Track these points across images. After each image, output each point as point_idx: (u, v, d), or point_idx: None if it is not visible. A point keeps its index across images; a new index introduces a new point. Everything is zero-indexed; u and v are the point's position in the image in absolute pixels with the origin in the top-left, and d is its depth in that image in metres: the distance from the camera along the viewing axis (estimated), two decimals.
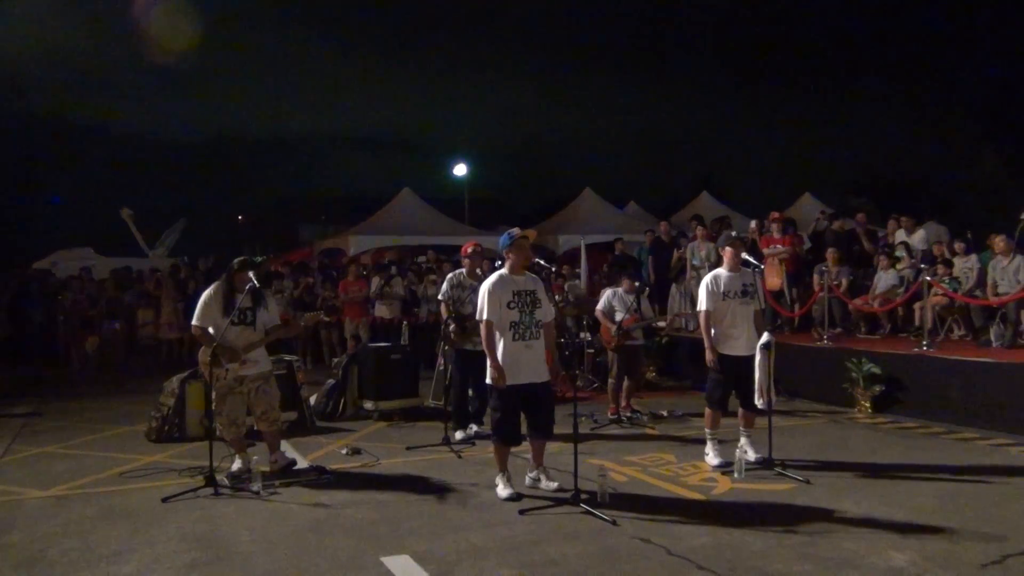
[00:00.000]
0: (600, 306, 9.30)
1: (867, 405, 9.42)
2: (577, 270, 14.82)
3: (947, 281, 10.82)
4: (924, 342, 9.73)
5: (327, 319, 8.89)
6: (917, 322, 10.98)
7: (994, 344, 9.74)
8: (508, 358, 5.89)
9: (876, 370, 9.39)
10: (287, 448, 7.31)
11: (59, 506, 6.05)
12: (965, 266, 10.95)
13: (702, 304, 6.93)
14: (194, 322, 6.63)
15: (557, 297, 11.68)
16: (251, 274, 6.63)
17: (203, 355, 6.58)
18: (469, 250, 8.36)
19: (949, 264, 11.17)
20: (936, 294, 10.72)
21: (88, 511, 5.89)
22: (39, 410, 10.34)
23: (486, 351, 5.96)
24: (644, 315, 9.35)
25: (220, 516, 5.71)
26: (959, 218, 13.45)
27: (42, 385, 12.61)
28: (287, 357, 9.12)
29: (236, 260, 6.79)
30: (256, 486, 6.23)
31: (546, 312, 6.10)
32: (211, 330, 6.52)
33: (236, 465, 6.69)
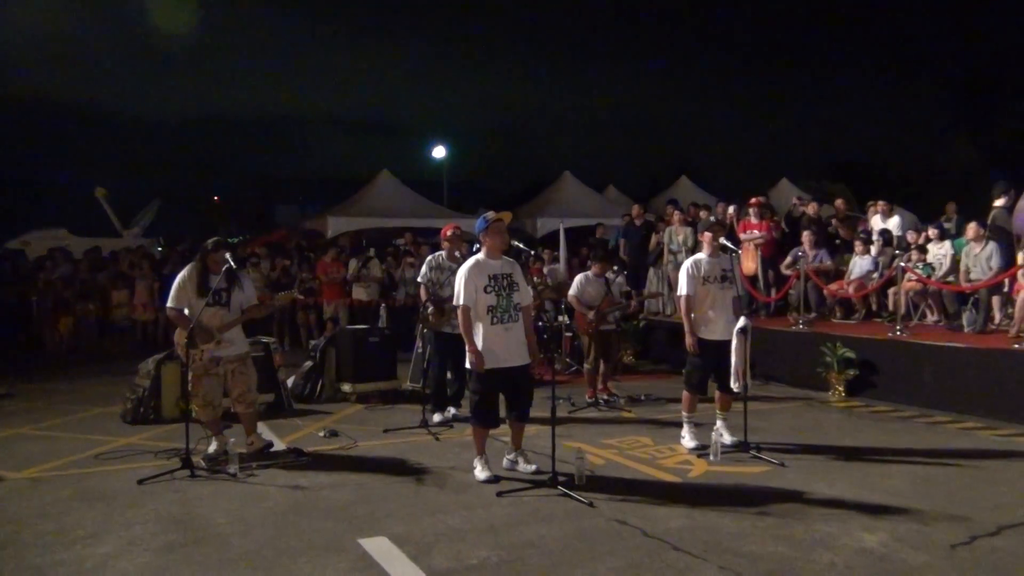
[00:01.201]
0: (572, 291, 9.31)
1: (841, 389, 9.52)
2: (556, 254, 14.82)
3: (921, 267, 10.94)
4: (897, 327, 9.84)
5: (301, 297, 8.84)
6: (891, 307, 11.10)
7: (966, 329, 9.86)
8: (487, 342, 5.89)
9: (850, 354, 9.48)
10: (264, 430, 7.28)
11: (33, 488, 6.00)
12: (939, 252, 11.06)
13: (683, 289, 6.96)
14: (169, 304, 6.58)
15: (536, 279, 11.74)
16: (227, 255, 6.58)
17: (179, 336, 6.53)
18: (449, 232, 8.33)
19: (923, 250, 11.28)
20: (910, 280, 10.84)
21: (63, 493, 5.84)
22: (12, 391, 10.21)
23: (464, 335, 5.96)
24: (614, 300, 9.39)
25: (197, 498, 5.68)
26: (933, 205, 13.56)
27: (15, 366, 12.45)
28: (264, 339, 9.06)
29: (210, 240, 6.75)
30: (233, 468, 6.21)
31: (524, 295, 6.10)
32: (186, 311, 6.47)
33: (213, 447, 6.66)
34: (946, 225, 12.24)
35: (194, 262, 6.71)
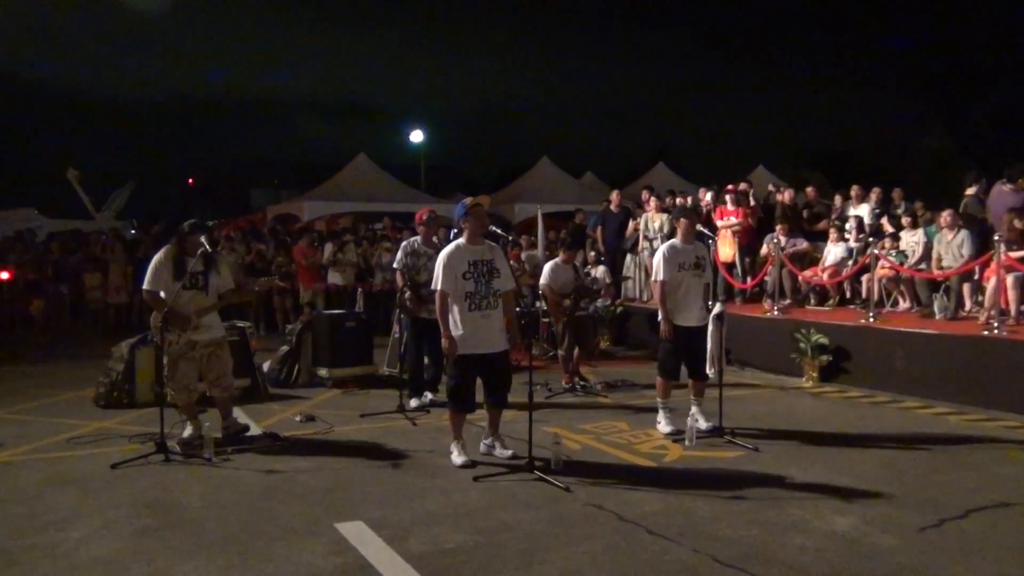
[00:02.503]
0: (544, 280, 9.32)
1: (814, 375, 9.62)
2: (534, 239, 14.83)
3: (894, 254, 11.06)
4: (870, 314, 9.95)
5: (281, 284, 8.79)
6: (864, 294, 11.22)
7: (937, 316, 9.98)
8: (463, 328, 5.89)
9: (824, 341, 9.58)
10: (239, 415, 7.24)
11: (3, 472, 5.93)
12: (912, 240, 11.18)
13: (658, 275, 6.99)
14: (145, 286, 6.52)
15: (513, 264, 11.73)
16: (203, 238, 6.52)
17: (155, 320, 6.48)
18: (425, 217, 8.30)
19: (896, 238, 11.40)
20: (883, 267, 10.96)
21: (34, 477, 5.78)
22: None
23: (439, 321, 5.95)
24: (583, 286, 9.41)
25: (171, 483, 5.65)
26: (906, 192, 13.67)
27: None
28: (240, 324, 9.00)
29: (186, 223, 6.68)
30: (208, 453, 6.17)
31: (505, 281, 6.10)
32: (162, 295, 6.41)
33: (187, 432, 6.62)
34: (897, 212, 12.37)
35: (170, 244, 6.65)
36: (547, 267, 9.42)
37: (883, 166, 36.15)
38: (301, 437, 6.98)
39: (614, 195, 14.92)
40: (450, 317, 5.93)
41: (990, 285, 9.28)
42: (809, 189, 13.85)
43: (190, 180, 52.81)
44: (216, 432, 6.55)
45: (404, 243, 8.39)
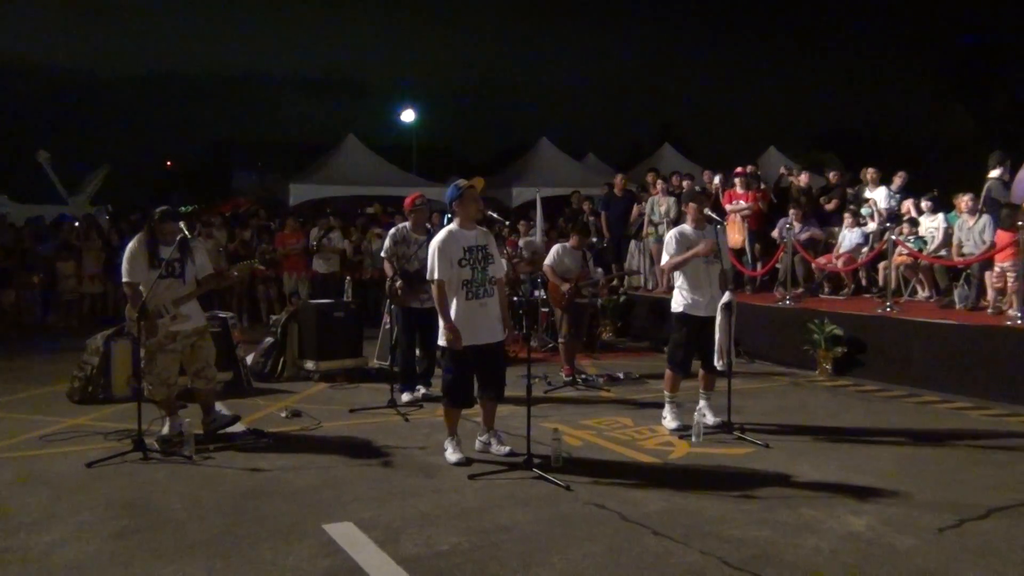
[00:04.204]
0: (549, 261, 9.32)
1: (828, 367, 9.64)
2: (532, 224, 14.81)
3: (912, 240, 11.05)
4: (887, 303, 9.95)
5: (262, 268, 8.76)
6: (881, 282, 11.22)
7: (958, 306, 9.99)
8: (462, 318, 5.88)
9: (838, 331, 9.58)
10: (222, 409, 7.22)
11: None
12: (931, 225, 11.18)
13: (670, 252, 6.93)
14: (124, 278, 6.53)
15: (508, 250, 11.73)
16: (181, 224, 6.52)
17: (131, 312, 6.47)
18: (416, 202, 8.27)
19: (915, 223, 11.39)
20: (901, 254, 10.95)
21: (5, 477, 5.77)
22: None
23: (439, 312, 5.94)
24: (589, 274, 9.41)
25: (150, 482, 5.64)
26: (926, 176, 13.67)
27: None
28: (222, 314, 8.99)
29: (157, 210, 6.69)
30: (188, 450, 6.17)
31: (498, 268, 6.10)
32: (141, 287, 6.40)
33: (167, 428, 6.61)
34: (893, 193, 12.35)
35: (141, 232, 6.66)
36: (554, 249, 9.44)
37: (900, 148, 36.12)
38: (287, 434, 6.98)
39: (618, 179, 14.89)
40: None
41: (997, 270, 9.31)
42: (832, 174, 13.81)
43: (168, 163, 52.70)
44: (197, 428, 6.54)
45: (392, 230, 8.38)
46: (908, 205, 12.13)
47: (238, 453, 6.35)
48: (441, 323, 5.92)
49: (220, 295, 12.54)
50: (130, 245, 6.61)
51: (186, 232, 6.50)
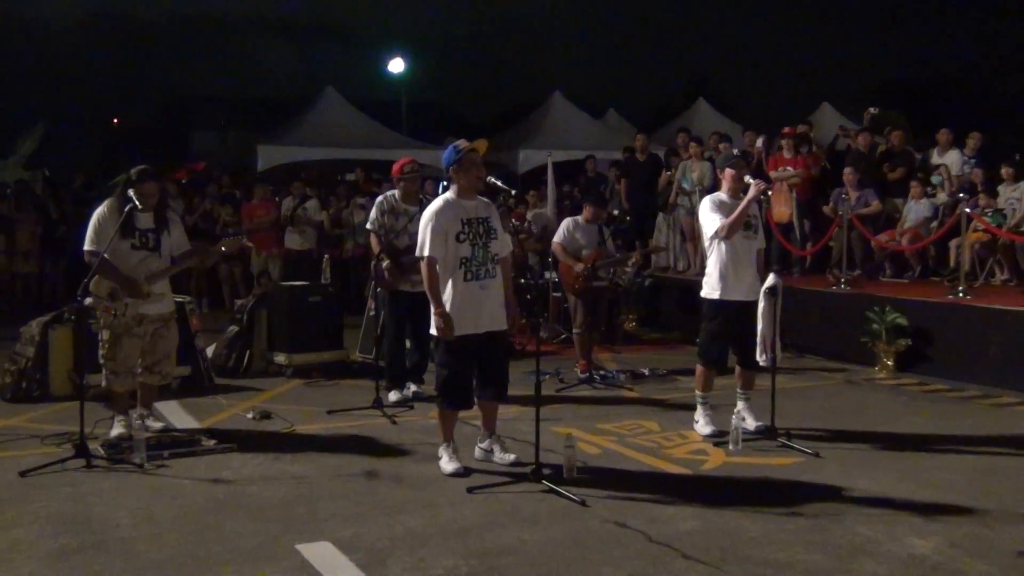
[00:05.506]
0: (558, 238, 9.29)
1: (890, 363, 9.63)
2: (543, 193, 14.80)
3: (990, 214, 11.01)
4: (960, 287, 9.93)
5: (250, 245, 8.83)
6: (952, 263, 11.19)
7: None
8: (459, 303, 5.88)
9: (902, 321, 9.56)
10: (176, 411, 7.28)
11: None
12: (1012, 196, 11.14)
13: (712, 222, 6.89)
14: (87, 246, 6.59)
15: (515, 223, 11.72)
16: (157, 187, 6.65)
17: (97, 287, 6.49)
18: (406, 168, 8.26)
19: (993, 193, 11.34)
20: (976, 230, 10.92)
21: None
22: None
23: (429, 295, 5.93)
24: (608, 252, 9.39)
25: (94, 493, 5.67)
26: (1009, 138, 13.59)
27: None
28: (178, 298, 8.97)
29: (134, 170, 6.75)
30: (139, 457, 6.19)
31: (502, 244, 6.09)
32: (106, 256, 6.43)
33: (116, 430, 6.65)
34: (968, 159, 12.29)
35: (113, 196, 6.72)
36: (564, 223, 9.41)
37: (977, 105, 35.93)
38: (255, 438, 7.00)
39: (639, 139, 14.83)
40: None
41: None
42: (895, 134, 13.73)
43: (115, 120, 52.66)
44: (150, 431, 6.59)
45: (380, 198, 8.37)
46: (980, 173, 12.06)
47: (198, 460, 6.37)
48: (432, 309, 5.93)
49: (175, 275, 12.56)
50: (99, 209, 6.69)
51: (133, 201, 6.50)
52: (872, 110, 14.54)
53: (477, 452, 6.36)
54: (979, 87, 41.63)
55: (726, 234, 6.78)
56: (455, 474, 6.00)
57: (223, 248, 7.13)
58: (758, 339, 6.82)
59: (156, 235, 6.66)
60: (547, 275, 11.36)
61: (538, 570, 4.53)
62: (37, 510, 5.37)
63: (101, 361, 6.65)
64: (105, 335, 6.53)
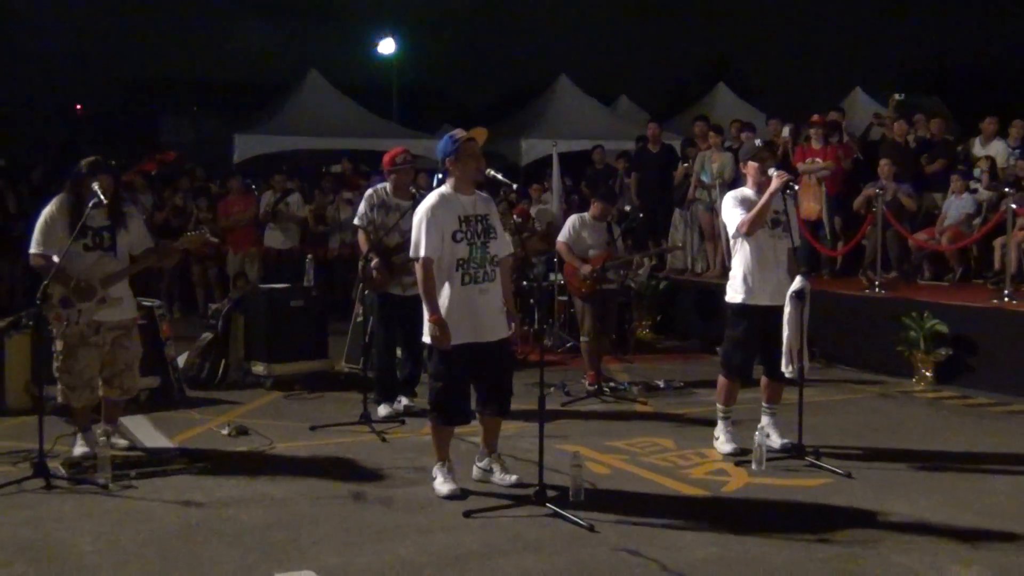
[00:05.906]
0: (563, 237, 9.29)
1: (929, 374, 9.63)
2: (548, 186, 14.81)
3: None
4: (1006, 291, 9.93)
5: (215, 241, 8.79)
6: (997, 264, 11.18)
7: None
8: (455, 308, 5.88)
9: (942, 328, 9.56)
10: (143, 425, 7.27)
11: None
12: None
13: (735, 217, 6.86)
14: (33, 248, 6.58)
15: (517, 219, 11.72)
16: (111, 180, 6.57)
17: (50, 292, 6.47)
18: (398, 159, 8.27)
19: None
20: (1023, 227, 10.91)
21: None
22: None
23: (424, 300, 5.93)
24: (618, 252, 9.39)
25: (54, 518, 5.66)
26: None
27: None
28: (147, 302, 8.99)
29: (85, 162, 6.70)
30: (103, 478, 6.18)
31: (501, 244, 6.09)
32: (55, 259, 6.42)
33: (78, 449, 6.65)
34: (1013, 149, 12.26)
35: (63, 193, 6.70)
36: (570, 221, 9.40)
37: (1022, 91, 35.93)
38: (230, 457, 7.01)
39: (651, 128, 14.81)
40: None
41: None
42: (934, 121, 13.71)
43: (78, 107, 52.70)
44: (116, 449, 6.58)
45: (369, 192, 8.38)
46: None
47: (168, 481, 6.36)
48: (426, 314, 5.93)
49: (144, 276, 12.57)
50: (48, 208, 6.67)
51: (100, 196, 6.48)
52: (898, 96, 14.51)
53: (475, 472, 6.36)
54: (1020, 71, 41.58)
55: (747, 230, 6.78)
56: (451, 496, 5.99)
57: (184, 245, 7.11)
58: (784, 347, 6.81)
59: (111, 233, 6.62)
60: (552, 277, 11.36)
61: None
62: None
63: (56, 374, 6.61)
64: (58, 345, 6.51)
